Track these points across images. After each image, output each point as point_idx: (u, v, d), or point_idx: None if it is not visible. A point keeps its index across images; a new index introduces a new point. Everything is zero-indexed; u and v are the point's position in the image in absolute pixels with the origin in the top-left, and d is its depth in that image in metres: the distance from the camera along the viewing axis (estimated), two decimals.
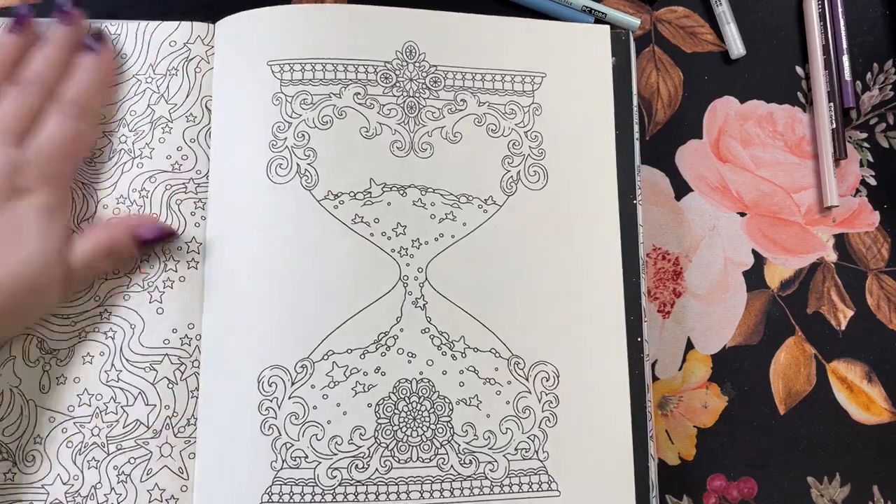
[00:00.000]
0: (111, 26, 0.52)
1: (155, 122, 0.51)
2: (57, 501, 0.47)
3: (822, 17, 0.59)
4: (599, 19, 0.57)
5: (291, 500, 0.47)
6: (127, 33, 0.52)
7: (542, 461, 0.49)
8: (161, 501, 0.47)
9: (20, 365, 0.48)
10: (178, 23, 0.52)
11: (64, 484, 0.47)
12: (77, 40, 0.50)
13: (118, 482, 0.47)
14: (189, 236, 0.50)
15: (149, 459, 0.47)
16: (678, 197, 0.57)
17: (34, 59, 0.49)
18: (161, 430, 0.48)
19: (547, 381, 0.50)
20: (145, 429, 0.47)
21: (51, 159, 0.47)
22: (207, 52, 0.52)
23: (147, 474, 0.47)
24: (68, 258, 0.46)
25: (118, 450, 0.47)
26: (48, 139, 0.47)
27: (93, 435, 0.47)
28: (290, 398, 0.48)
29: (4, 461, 0.47)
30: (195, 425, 0.48)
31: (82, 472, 0.47)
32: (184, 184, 0.50)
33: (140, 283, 0.49)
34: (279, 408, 0.48)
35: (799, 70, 0.60)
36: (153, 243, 0.49)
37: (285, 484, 0.47)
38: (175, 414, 0.48)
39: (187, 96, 0.51)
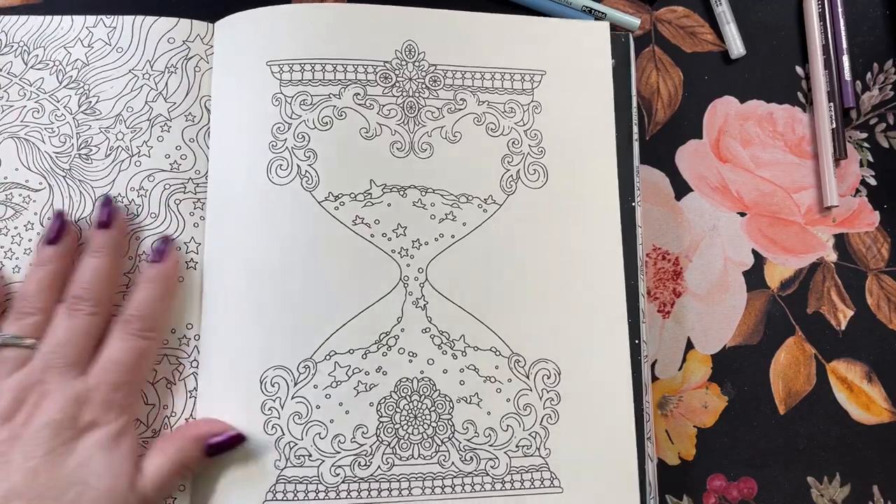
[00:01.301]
0: (106, 19, 0.52)
1: (153, 119, 0.51)
2: None
3: (822, 17, 0.59)
4: (599, 19, 0.57)
5: (295, 498, 0.47)
6: (123, 26, 0.52)
7: (543, 458, 0.49)
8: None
9: None
10: (176, 19, 0.52)
11: None
12: (124, 244, 0.48)
13: None
14: (188, 237, 0.50)
15: None
16: (678, 197, 0.57)
17: (82, 270, 0.46)
18: (160, 430, 0.47)
19: (548, 378, 0.50)
20: (144, 428, 0.47)
21: (116, 386, 0.44)
22: (207, 51, 0.52)
23: None
24: (140, 486, 0.43)
25: None
26: (111, 364, 0.44)
27: None
28: (293, 398, 0.48)
29: None
30: None
31: None
32: (183, 183, 0.50)
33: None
34: (282, 407, 0.48)
35: (799, 70, 0.60)
36: (224, 450, 0.46)
37: (289, 482, 0.47)
38: (173, 414, 0.48)
39: (186, 95, 0.51)
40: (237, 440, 0.46)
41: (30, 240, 0.49)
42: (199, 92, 0.51)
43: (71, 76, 0.51)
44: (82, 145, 0.50)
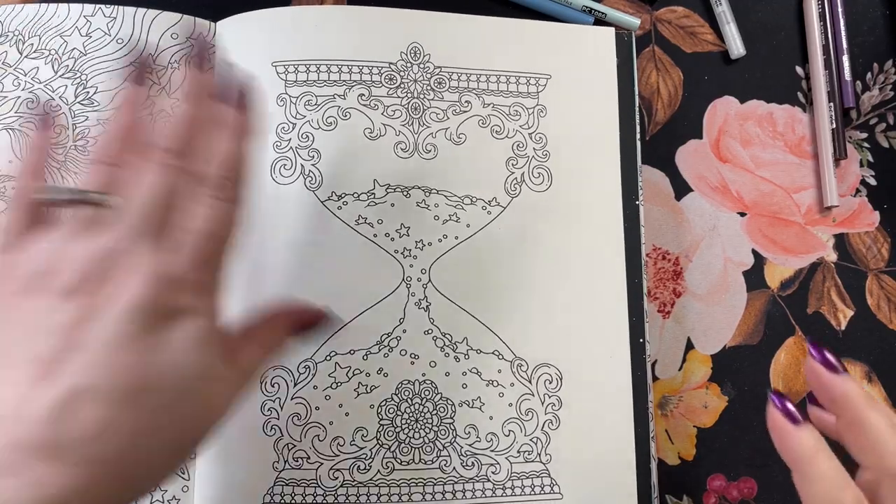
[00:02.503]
0: (105, 9, 0.51)
1: (155, 115, 0.50)
2: None
3: (822, 17, 0.59)
4: (599, 19, 0.57)
5: (293, 501, 0.46)
6: (123, 17, 0.51)
7: (544, 464, 0.49)
8: (163, 502, 0.47)
9: None
10: (179, 15, 0.51)
11: None
12: (212, 91, 0.38)
13: None
14: None
15: None
16: (678, 197, 0.57)
17: (177, 120, 0.36)
18: None
19: (550, 383, 0.50)
20: None
21: (207, 262, 0.35)
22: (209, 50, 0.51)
23: None
24: (236, 386, 0.36)
25: None
26: (202, 237, 0.35)
27: None
28: (292, 399, 0.48)
29: None
30: None
31: None
32: None
33: None
34: (281, 408, 0.48)
35: (799, 70, 0.60)
36: (316, 331, 0.41)
37: (287, 484, 0.47)
38: None
39: None
40: (325, 320, 0.41)
41: None
42: None
43: (67, 66, 0.50)
44: (78, 137, 0.50)
